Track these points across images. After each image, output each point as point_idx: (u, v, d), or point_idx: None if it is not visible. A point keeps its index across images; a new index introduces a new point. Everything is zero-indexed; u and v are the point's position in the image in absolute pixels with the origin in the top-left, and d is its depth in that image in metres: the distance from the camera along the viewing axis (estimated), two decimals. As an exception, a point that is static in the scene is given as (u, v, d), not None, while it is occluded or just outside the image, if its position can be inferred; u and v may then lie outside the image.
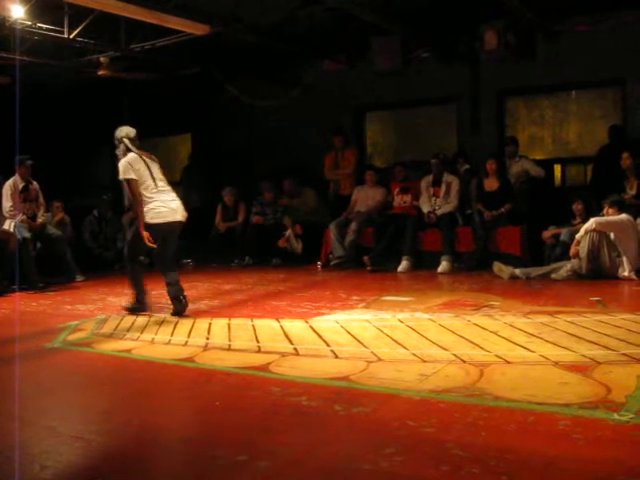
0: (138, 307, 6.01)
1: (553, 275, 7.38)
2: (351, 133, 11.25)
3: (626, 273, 7.21)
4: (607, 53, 9.30)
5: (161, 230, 5.82)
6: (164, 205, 5.87)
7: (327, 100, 11.17)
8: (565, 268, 7.37)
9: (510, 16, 8.56)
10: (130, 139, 6.02)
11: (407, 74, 9.88)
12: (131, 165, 5.84)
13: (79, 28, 8.68)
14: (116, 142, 6.04)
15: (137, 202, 5.76)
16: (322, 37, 9.99)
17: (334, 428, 2.84)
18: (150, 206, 5.79)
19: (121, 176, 5.83)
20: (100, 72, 10.27)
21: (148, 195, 5.83)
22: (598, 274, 7.23)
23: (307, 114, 11.28)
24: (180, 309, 5.80)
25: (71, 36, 8.76)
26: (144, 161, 5.95)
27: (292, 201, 10.61)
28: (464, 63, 10.11)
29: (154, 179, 5.94)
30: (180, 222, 5.99)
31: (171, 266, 5.96)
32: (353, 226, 9.41)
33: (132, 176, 5.80)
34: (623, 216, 7.35)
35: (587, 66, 9.44)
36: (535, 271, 7.55)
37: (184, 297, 5.84)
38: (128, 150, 5.96)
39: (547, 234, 8.22)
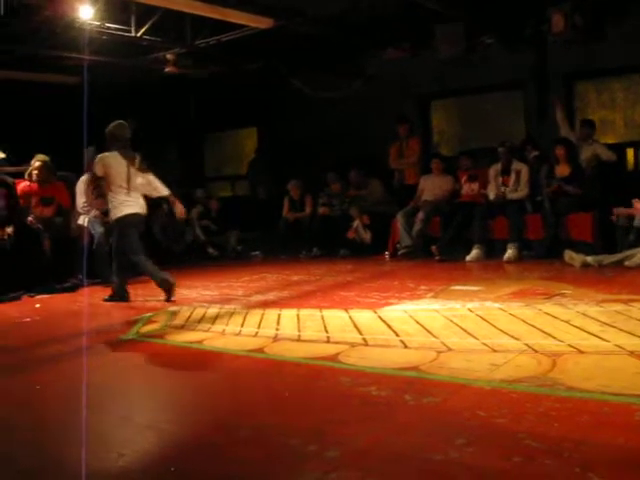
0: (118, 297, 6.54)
1: (627, 262, 7.17)
2: (416, 122, 11.16)
3: None
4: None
5: (130, 222, 6.38)
6: (131, 201, 6.43)
7: (391, 90, 11.10)
8: (639, 255, 7.16)
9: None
10: (115, 137, 6.36)
11: (471, 61, 9.75)
12: (102, 161, 6.39)
13: (146, 26, 8.87)
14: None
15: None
16: (384, 26, 9.92)
17: (404, 418, 2.84)
18: (119, 200, 6.37)
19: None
20: (167, 69, 10.45)
21: (116, 195, 6.40)
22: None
23: (371, 104, 11.23)
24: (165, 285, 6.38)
25: (138, 34, 8.95)
26: (124, 162, 6.37)
27: (359, 192, 10.61)
28: (530, 47, 9.90)
29: (129, 183, 6.38)
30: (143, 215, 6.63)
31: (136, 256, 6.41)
32: (420, 215, 9.34)
33: (97, 172, 6.46)
34: None
35: (658, 46, 9.13)
36: (608, 258, 7.35)
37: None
38: (110, 147, 6.42)
39: (619, 211, 7.95)
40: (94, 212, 8.34)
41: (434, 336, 4.26)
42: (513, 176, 9.02)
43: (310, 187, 10.96)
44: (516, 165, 9.06)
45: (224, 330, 4.95)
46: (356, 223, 10.12)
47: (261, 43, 10.09)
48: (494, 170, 9.18)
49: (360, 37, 10.26)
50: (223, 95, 12.90)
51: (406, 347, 4.05)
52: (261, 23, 8.64)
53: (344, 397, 3.16)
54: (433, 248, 8.86)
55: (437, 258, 8.73)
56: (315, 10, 8.83)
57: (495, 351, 3.79)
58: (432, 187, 9.75)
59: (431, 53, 9.88)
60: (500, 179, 9.09)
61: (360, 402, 3.07)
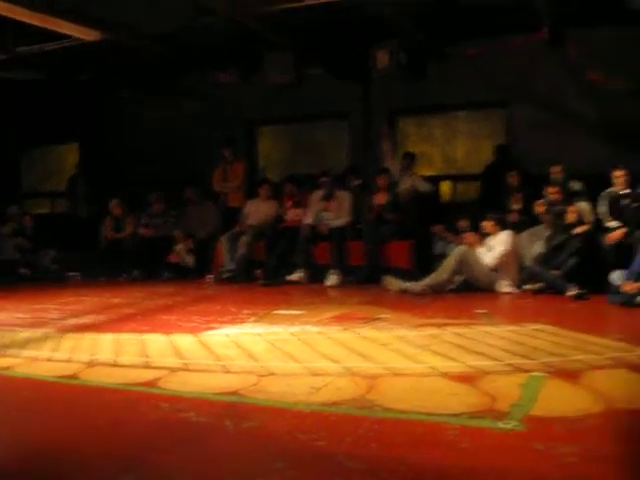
0: None
1: (405, 284, 7.57)
2: (243, 146, 11.22)
3: (506, 289, 7.50)
4: (493, 76, 9.72)
5: None
6: None
7: (221, 112, 11.10)
8: (423, 282, 7.57)
9: (402, 37, 8.78)
10: None
11: (300, 89, 9.95)
12: None
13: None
14: None
15: None
16: (216, 49, 9.92)
17: (224, 444, 2.77)
18: None
19: None
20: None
21: None
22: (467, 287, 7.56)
23: (201, 126, 11.17)
24: None
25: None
26: None
27: (193, 210, 10.41)
28: (356, 81, 10.27)
29: None
30: None
31: None
32: (244, 239, 9.36)
33: None
34: (506, 233, 7.64)
35: (474, 88, 9.83)
36: (417, 286, 7.65)
37: None
38: None
39: (437, 228, 8.48)
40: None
41: (256, 360, 4.23)
42: (335, 204, 9.25)
43: (133, 206, 10.64)
44: (339, 193, 9.31)
45: (36, 356, 4.64)
46: (179, 246, 9.94)
47: (88, 55, 9.73)
48: (316, 196, 9.37)
49: (192, 58, 10.17)
50: (45, 108, 12.27)
51: (227, 372, 3.98)
52: (88, 35, 8.34)
53: (163, 424, 3.04)
54: (257, 272, 8.89)
55: (261, 282, 8.76)
56: (151, 27, 8.63)
57: (315, 374, 3.81)
58: (257, 212, 9.80)
59: (261, 79, 9.98)
60: (322, 204, 9.29)
61: (179, 428, 2.97)
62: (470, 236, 7.78)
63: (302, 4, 8.05)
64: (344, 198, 9.27)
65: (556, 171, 8.56)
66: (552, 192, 7.75)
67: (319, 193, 9.37)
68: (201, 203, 10.51)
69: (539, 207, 7.72)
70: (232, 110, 11.12)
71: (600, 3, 7.63)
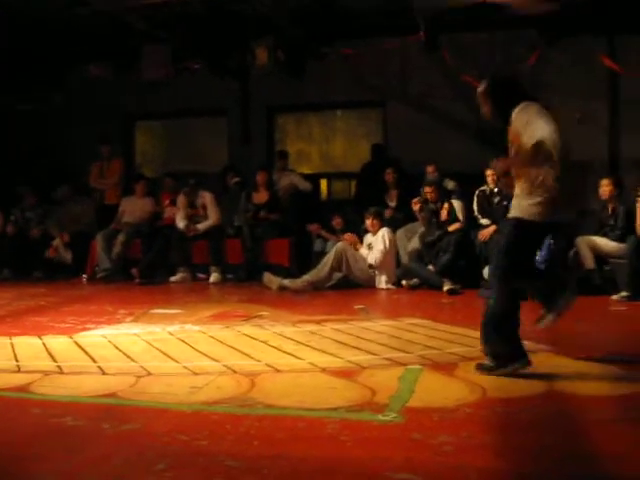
0: None
1: (285, 282, 7.67)
2: (119, 142, 10.93)
3: (383, 285, 7.69)
4: (370, 77, 9.91)
5: None
6: None
7: (96, 107, 10.73)
8: (302, 278, 7.69)
9: (281, 34, 8.81)
10: None
11: (178, 84, 9.80)
12: None
13: None
14: None
15: None
16: (89, 41, 9.59)
17: (102, 447, 2.69)
18: None
19: None
20: None
21: None
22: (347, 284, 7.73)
23: (76, 121, 10.78)
24: None
25: None
26: None
27: (68, 206, 10.01)
28: (235, 77, 10.22)
29: None
30: None
31: None
32: (121, 237, 9.13)
33: None
34: (384, 230, 7.83)
35: (352, 87, 9.99)
36: (297, 283, 7.72)
37: None
38: None
39: (313, 227, 8.64)
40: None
41: (134, 361, 4.15)
42: (201, 208, 9.12)
43: (2, 202, 10.13)
44: (202, 194, 9.16)
45: None
46: (56, 242, 9.57)
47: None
48: (182, 199, 9.19)
49: (61, 50, 9.78)
50: None
51: (104, 373, 3.88)
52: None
53: (36, 430, 2.93)
54: (134, 271, 8.69)
55: (137, 281, 8.57)
56: (22, 14, 8.20)
57: (196, 374, 3.78)
58: (133, 209, 9.56)
59: (138, 73, 9.74)
60: (189, 211, 9.12)
61: (55, 434, 2.86)
62: (350, 237, 7.91)
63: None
64: (208, 200, 9.12)
65: (430, 170, 8.86)
66: (428, 191, 7.99)
67: (184, 198, 9.19)
68: (76, 200, 10.14)
69: (415, 204, 7.95)
70: (108, 104, 10.77)
71: (471, 11, 7.94)
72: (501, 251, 3.71)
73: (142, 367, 3.96)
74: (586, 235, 7.22)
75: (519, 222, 3.64)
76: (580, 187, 7.98)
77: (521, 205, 3.64)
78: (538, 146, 3.52)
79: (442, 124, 9.63)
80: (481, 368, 3.67)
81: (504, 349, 3.61)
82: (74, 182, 10.18)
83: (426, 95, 9.94)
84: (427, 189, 8.04)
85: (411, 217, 8.30)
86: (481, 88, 3.83)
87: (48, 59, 10.29)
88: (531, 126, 3.56)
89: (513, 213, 3.69)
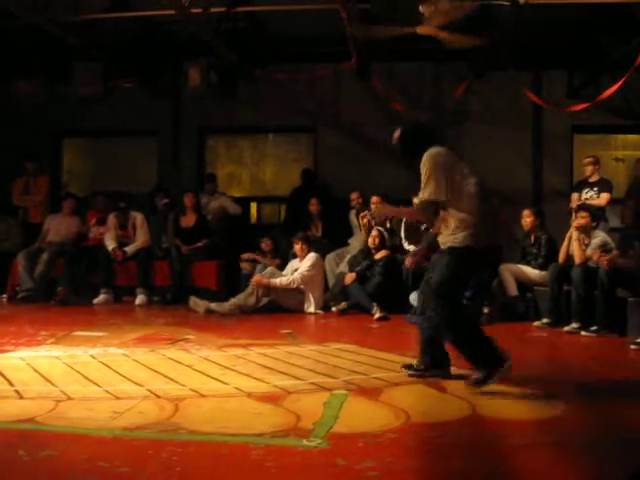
0: None
1: (212, 305, 7.62)
2: (47, 159, 10.68)
3: (312, 309, 7.71)
4: (301, 102, 10.02)
5: None
6: None
7: (23, 123, 10.45)
8: (230, 302, 7.64)
9: (214, 56, 8.81)
10: None
11: (109, 103, 9.65)
12: None
13: None
14: None
15: None
16: (17, 55, 9.35)
17: (18, 476, 2.60)
18: None
19: None
20: None
21: None
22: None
23: (1, 136, 10.46)
24: None
25: None
26: None
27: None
28: (167, 97, 10.15)
29: None
30: None
31: None
32: (44, 257, 8.88)
33: None
34: (312, 255, 7.85)
35: (284, 112, 10.06)
36: (224, 306, 7.66)
37: None
38: None
39: (244, 256, 8.57)
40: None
41: (53, 385, 4.03)
42: (130, 229, 9.02)
43: None
44: (132, 215, 9.05)
45: None
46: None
47: None
48: (113, 220, 9.05)
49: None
50: None
51: (22, 397, 3.76)
52: None
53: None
54: (60, 289, 8.46)
55: (59, 301, 8.33)
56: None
57: (118, 398, 3.70)
58: (59, 227, 9.33)
59: (67, 90, 9.53)
60: (119, 232, 8.99)
61: (-35, 461, 2.75)
62: (258, 279, 7.82)
63: (109, 16, 7.84)
64: (139, 221, 9.02)
65: (354, 197, 8.95)
66: (363, 216, 8.02)
67: (115, 220, 9.06)
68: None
69: (363, 218, 7.91)
70: (37, 120, 10.50)
71: (403, 42, 8.09)
72: (443, 274, 3.86)
73: (62, 391, 3.85)
74: (510, 263, 7.43)
75: (454, 249, 3.86)
76: (503, 217, 8.19)
77: (449, 239, 3.89)
78: (428, 204, 3.91)
79: (372, 151, 9.74)
80: (471, 383, 3.81)
81: (487, 351, 3.83)
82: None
83: (357, 122, 10.08)
84: (362, 214, 8.03)
85: (339, 243, 8.35)
86: (395, 136, 4.19)
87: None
88: (428, 182, 3.88)
89: (445, 245, 3.88)
